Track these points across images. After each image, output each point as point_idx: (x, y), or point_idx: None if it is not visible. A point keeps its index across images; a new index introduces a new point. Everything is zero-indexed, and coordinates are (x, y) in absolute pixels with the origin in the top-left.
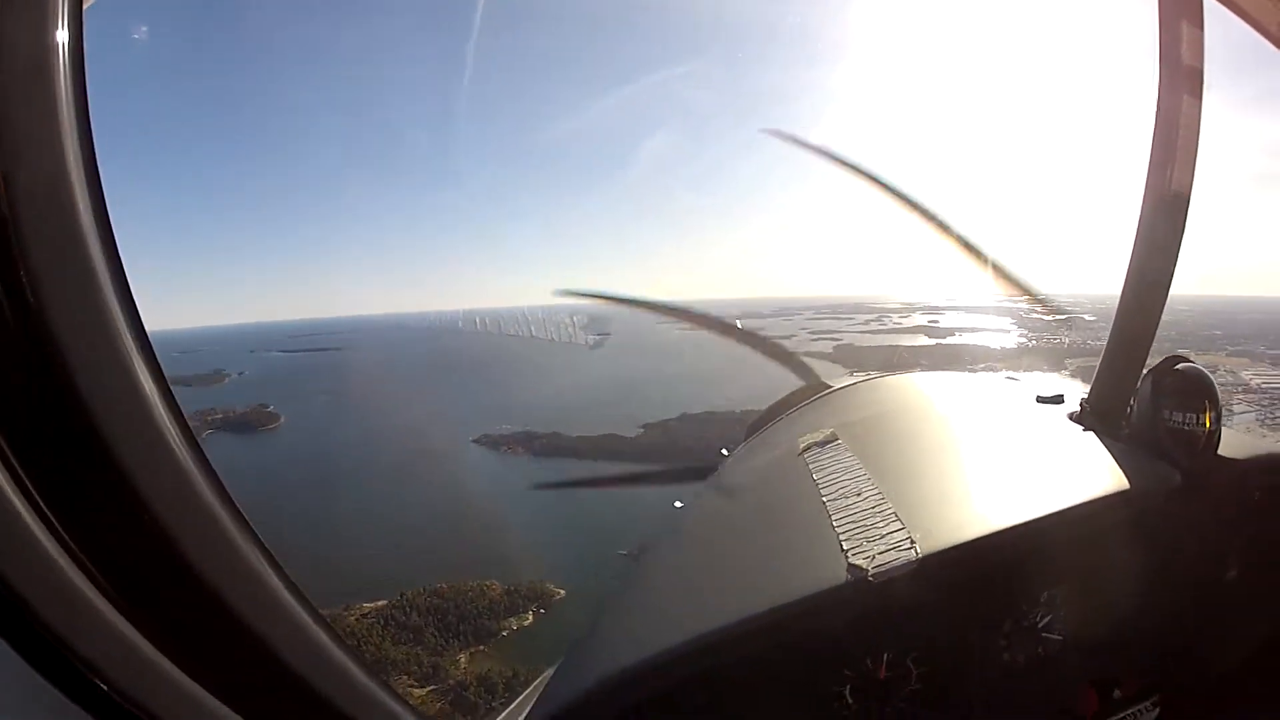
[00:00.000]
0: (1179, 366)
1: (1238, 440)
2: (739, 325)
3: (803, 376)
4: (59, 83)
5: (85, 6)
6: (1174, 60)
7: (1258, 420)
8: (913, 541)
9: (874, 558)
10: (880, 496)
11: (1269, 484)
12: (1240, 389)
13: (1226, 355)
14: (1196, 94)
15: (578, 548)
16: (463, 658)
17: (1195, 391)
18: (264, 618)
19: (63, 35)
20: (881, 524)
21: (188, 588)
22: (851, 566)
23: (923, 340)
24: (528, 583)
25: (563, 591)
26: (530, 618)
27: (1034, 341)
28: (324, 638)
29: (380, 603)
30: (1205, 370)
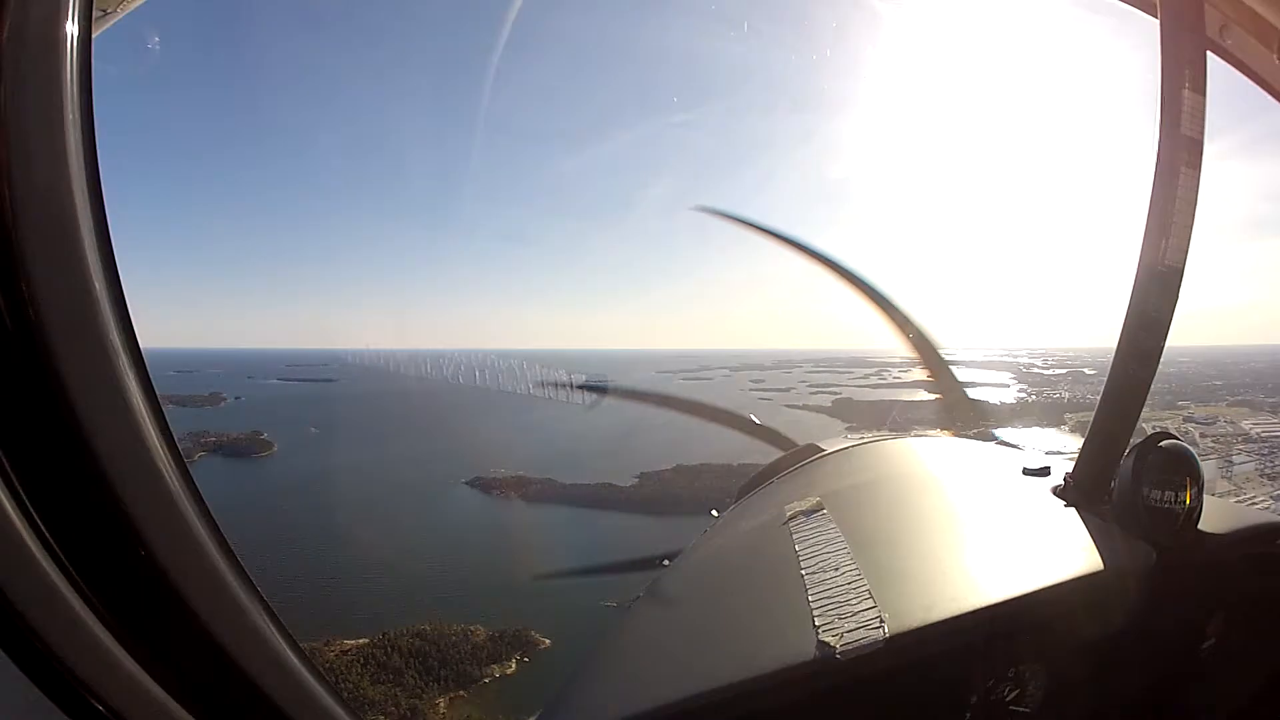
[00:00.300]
0: (1162, 444)
1: (1219, 513)
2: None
3: (780, 446)
4: (66, 88)
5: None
6: (1174, 131)
7: (1257, 470)
8: (881, 620)
9: (843, 635)
10: (856, 572)
11: (1247, 554)
12: (1240, 439)
13: (1227, 405)
14: (1195, 165)
15: (564, 595)
16: (441, 703)
17: (1176, 469)
18: (231, 631)
19: (72, 28)
20: (854, 600)
21: (162, 602)
22: (820, 643)
23: (922, 395)
24: (513, 629)
25: (548, 641)
26: (513, 666)
27: (1033, 397)
28: (295, 660)
29: (362, 640)
30: (1188, 446)
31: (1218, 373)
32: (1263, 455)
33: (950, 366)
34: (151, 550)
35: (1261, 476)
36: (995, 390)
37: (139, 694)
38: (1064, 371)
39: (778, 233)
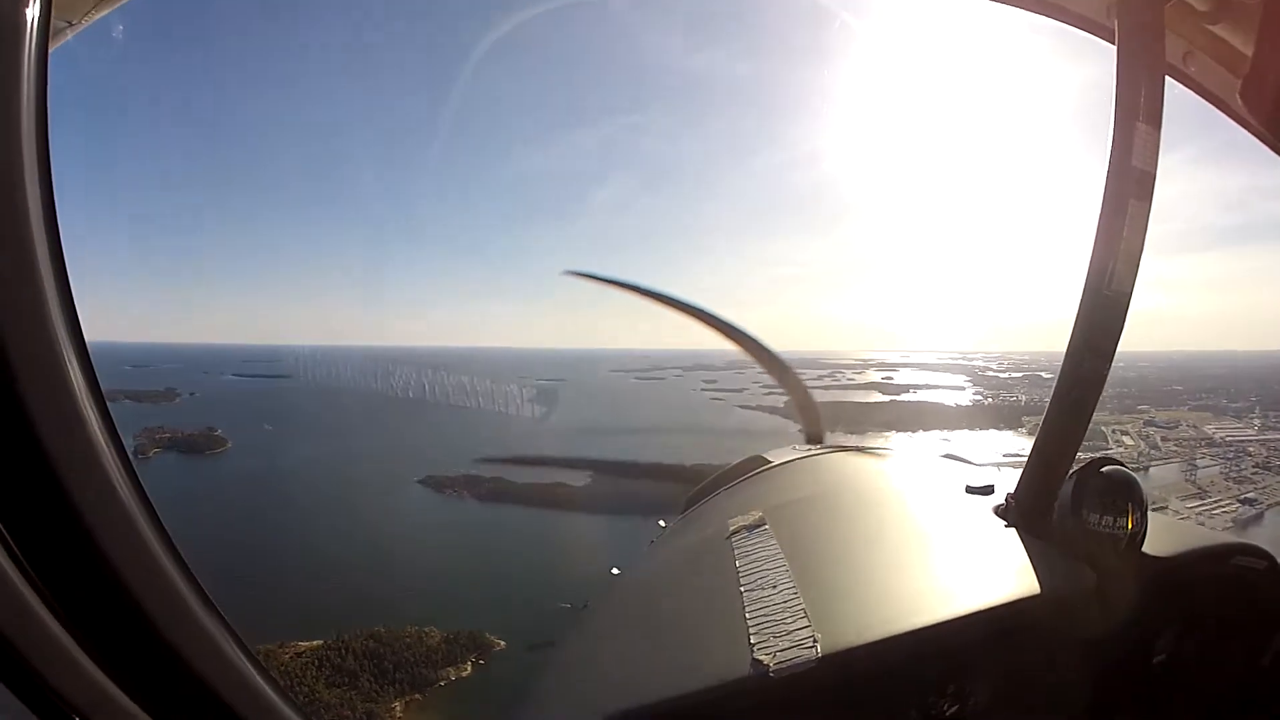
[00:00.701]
0: (1104, 469)
1: (1166, 533)
2: (765, 346)
3: (805, 419)
4: (22, 85)
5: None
6: (1124, 162)
7: (1222, 474)
8: (815, 640)
9: (776, 654)
10: (793, 590)
11: (1193, 576)
12: (1204, 443)
13: (1189, 410)
14: (1145, 197)
15: (519, 597)
16: (398, 706)
17: (1118, 495)
18: (183, 635)
19: (32, 12)
20: (790, 619)
21: (113, 603)
22: (754, 661)
23: (876, 397)
24: (467, 631)
25: (502, 643)
26: (469, 668)
27: (990, 400)
28: (248, 665)
29: (316, 642)
30: (1130, 473)
31: (1178, 378)
32: (1227, 459)
33: (794, 373)
34: (101, 550)
35: (1227, 480)
36: (951, 393)
37: (97, 692)
38: (1020, 375)
39: (643, 289)
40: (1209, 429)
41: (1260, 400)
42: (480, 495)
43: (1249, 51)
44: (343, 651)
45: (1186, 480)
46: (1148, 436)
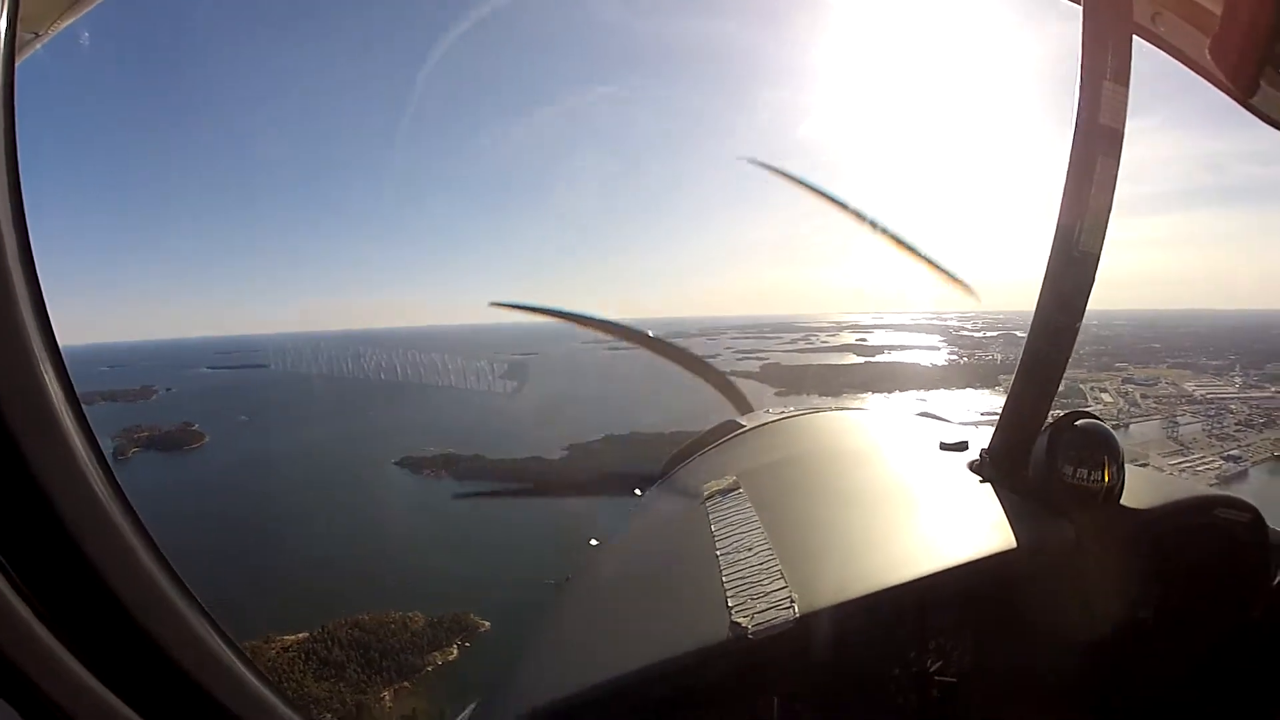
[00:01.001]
0: (1079, 422)
1: (1145, 486)
2: (673, 343)
3: (730, 398)
4: None
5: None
6: (1092, 120)
7: (1205, 431)
8: (792, 600)
9: (754, 616)
10: (770, 552)
11: (1177, 526)
12: (1184, 400)
13: (1168, 368)
14: (1114, 155)
15: (502, 576)
16: (387, 695)
17: (1093, 447)
18: (174, 639)
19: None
20: (766, 581)
21: (100, 606)
22: (733, 624)
23: (851, 359)
24: (451, 614)
25: (487, 624)
26: (455, 652)
27: (965, 359)
28: (240, 665)
29: (301, 635)
30: (1106, 425)
31: (1155, 336)
32: (1209, 416)
33: (702, 360)
34: (83, 551)
35: (1210, 437)
36: (926, 353)
37: (85, 692)
38: (995, 334)
39: (556, 311)
40: (1189, 386)
41: (1239, 358)
42: (457, 473)
43: (1218, 11)
44: (328, 643)
45: (1169, 437)
46: (1127, 394)
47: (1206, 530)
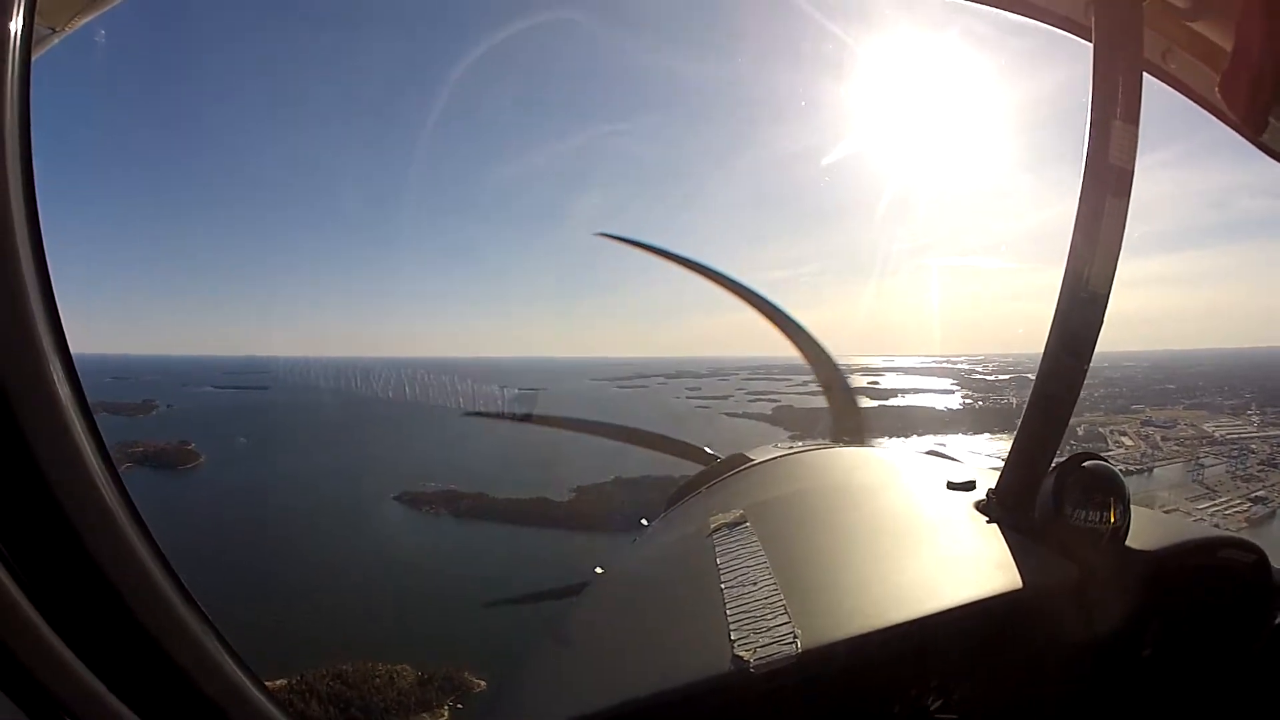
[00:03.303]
0: (1086, 464)
1: (1150, 527)
2: (782, 310)
3: (698, 460)
4: (6, 73)
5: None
6: (1101, 159)
7: (1229, 473)
8: (795, 636)
9: (756, 650)
10: (774, 586)
11: (1179, 567)
12: (1205, 441)
13: (1184, 409)
14: (1123, 195)
15: (503, 625)
16: None
17: (1100, 489)
18: (166, 632)
19: (15, 24)
20: (769, 616)
21: (98, 601)
22: (735, 658)
23: (865, 402)
24: (444, 671)
25: (483, 682)
26: (445, 714)
27: (980, 403)
28: (220, 652)
29: (279, 682)
30: (1112, 467)
31: (1166, 376)
32: (1232, 458)
33: (842, 374)
34: (90, 553)
35: (1234, 478)
36: (940, 397)
37: (89, 694)
38: (1007, 377)
39: (679, 256)
40: (1208, 427)
41: (1255, 397)
42: (458, 512)
43: (1229, 47)
44: (305, 695)
45: (1194, 480)
46: (1147, 436)
47: (1211, 571)
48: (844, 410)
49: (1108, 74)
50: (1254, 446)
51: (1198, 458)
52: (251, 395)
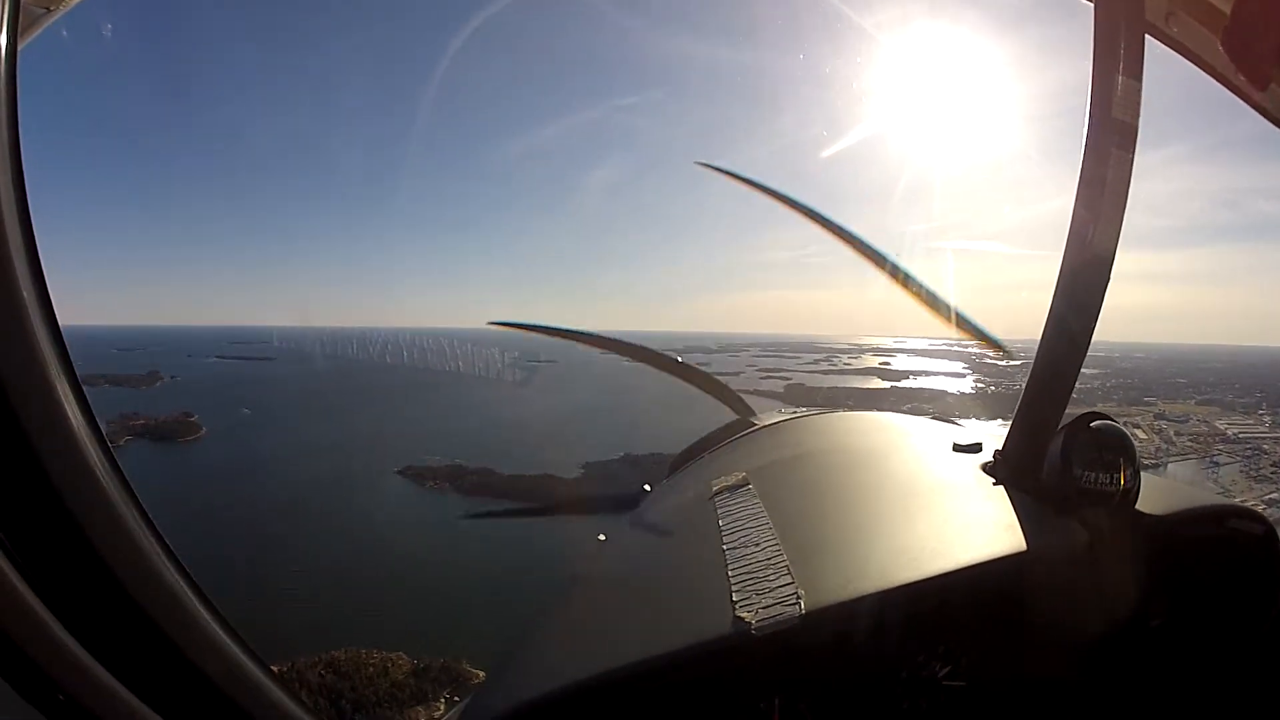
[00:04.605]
0: (1094, 424)
1: (1161, 493)
2: (678, 359)
3: (740, 413)
4: None
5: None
6: (1104, 113)
7: (1243, 473)
8: (798, 597)
9: (758, 611)
10: (777, 547)
11: (1192, 535)
12: (1218, 439)
13: (1196, 404)
14: (1128, 148)
15: (503, 612)
16: None
17: (1109, 450)
18: (177, 626)
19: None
20: (773, 576)
21: (106, 596)
22: (736, 619)
23: (877, 383)
24: (440, 661)
25: (481, 673)
26: (441, 707)
27: (993, 388)
28: (233, 645)
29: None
30: (1121, 427)
31: (1179, 370)
32: (1246, 458)
33: (699, 370)
34: (93, 546)
35: (1248, 479)
36: (951, 380)
37: (102, 689)
38: (1019, 363)
39: (785, 195)
40: (1220, 424)
41: (1265, 396)
42: (463, 488)
43: (1228, 9)
44: (295, 685)
45: (1209, 479)
46: (1161, 430)
47: (1219, 540)
48: (727, 398)
49: (1109, 29)
50: (1266, 447)
51: (1211, 455)
52: (257, 366)
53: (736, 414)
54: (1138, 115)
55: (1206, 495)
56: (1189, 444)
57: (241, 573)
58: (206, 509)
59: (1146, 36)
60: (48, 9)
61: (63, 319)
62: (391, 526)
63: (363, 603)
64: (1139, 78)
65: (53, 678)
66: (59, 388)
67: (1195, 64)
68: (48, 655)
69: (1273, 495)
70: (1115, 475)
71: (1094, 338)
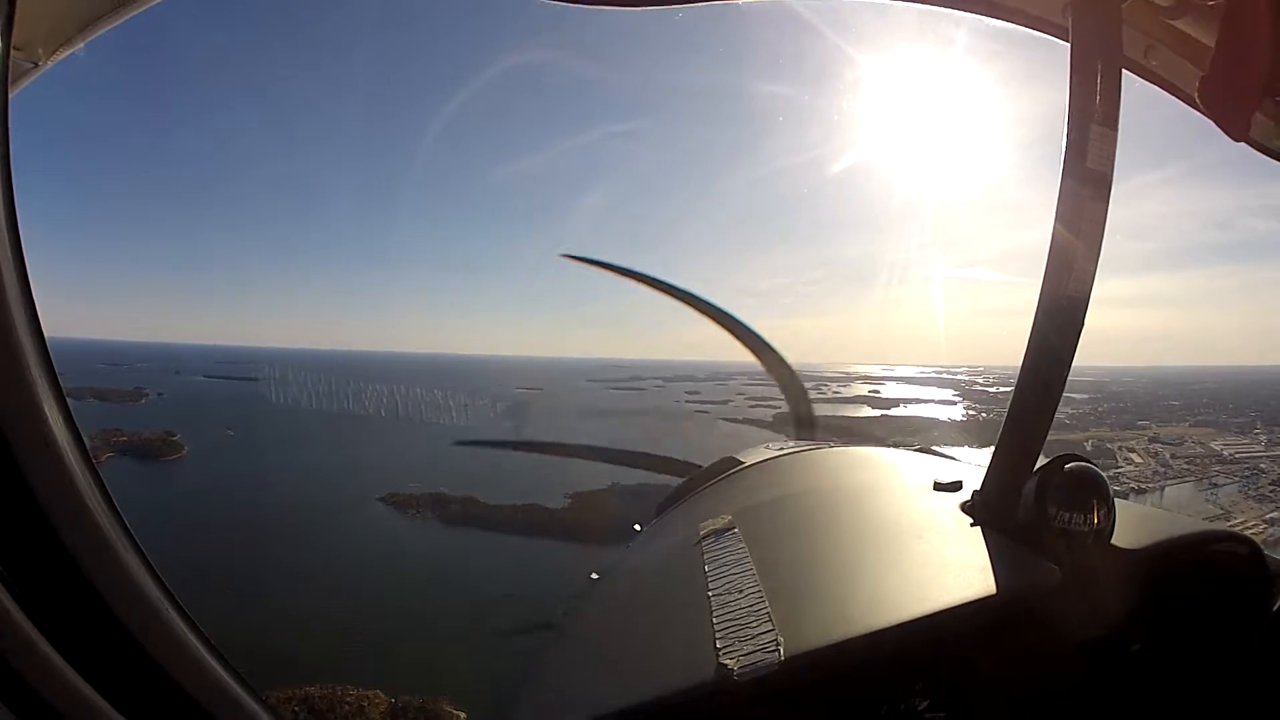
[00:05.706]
0: (1068, 466)
1: (1136, 524)
2: (734, 317)
3: (676, 473)
4: None
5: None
6: (1079, 164)
7: (1242, 493)
8: (778, 643)
9: (740, 659)
10: (759, 594)
11: (1166, 564)
12: (1214, 460)
13: (1190, 426)
14: (1102, 199)
15: (486, 646)
16: None
17: (1082, 490)
18: (148, 632)
19: None
20: (754, 623)
21: (81, 601)
22: (719, 665)
23: (867, 411)
24: (418, 701)
25: (463, 715)
26: None
27: (984, 414)
28: (201, 650)
29: None
30: (1096, 468)
31: (1172, 393)
32: (1244, 477)
33: (799, 379)
34: (71, 554)
35: (1248, 499)
36: (942, 407)
37: (74, 695)
38: (1008, 389)
39: (640, 274)
40: (1215, 445)
41: (1260, 415)
42: (446, 517)
43: (1211, 43)
44: None
45: (1208, 501)
46: (1156, 454)
47: (1199, 565)
48: (798, 405)
49: (1085, 75)
50: (1263, 466)
51: (1209, 477)
52: (244, 386)
53: (775, 378)
54: (1112, 164)
55: (1187, 523)
56: (1185, 466)
57: (224, 593)
58: (182, 532)
59: (1126, 73)
60: (34, 64)
61: (53, 331)
62: (373, 554)
63: (342, 633)
64: (1115, 125)
65: (30, 685)
66: (43, 400)
67: (1177, 97)
68: (27, 664)
69: (1273, 514)
70: (1088, 515)
71: (1083, 363)
